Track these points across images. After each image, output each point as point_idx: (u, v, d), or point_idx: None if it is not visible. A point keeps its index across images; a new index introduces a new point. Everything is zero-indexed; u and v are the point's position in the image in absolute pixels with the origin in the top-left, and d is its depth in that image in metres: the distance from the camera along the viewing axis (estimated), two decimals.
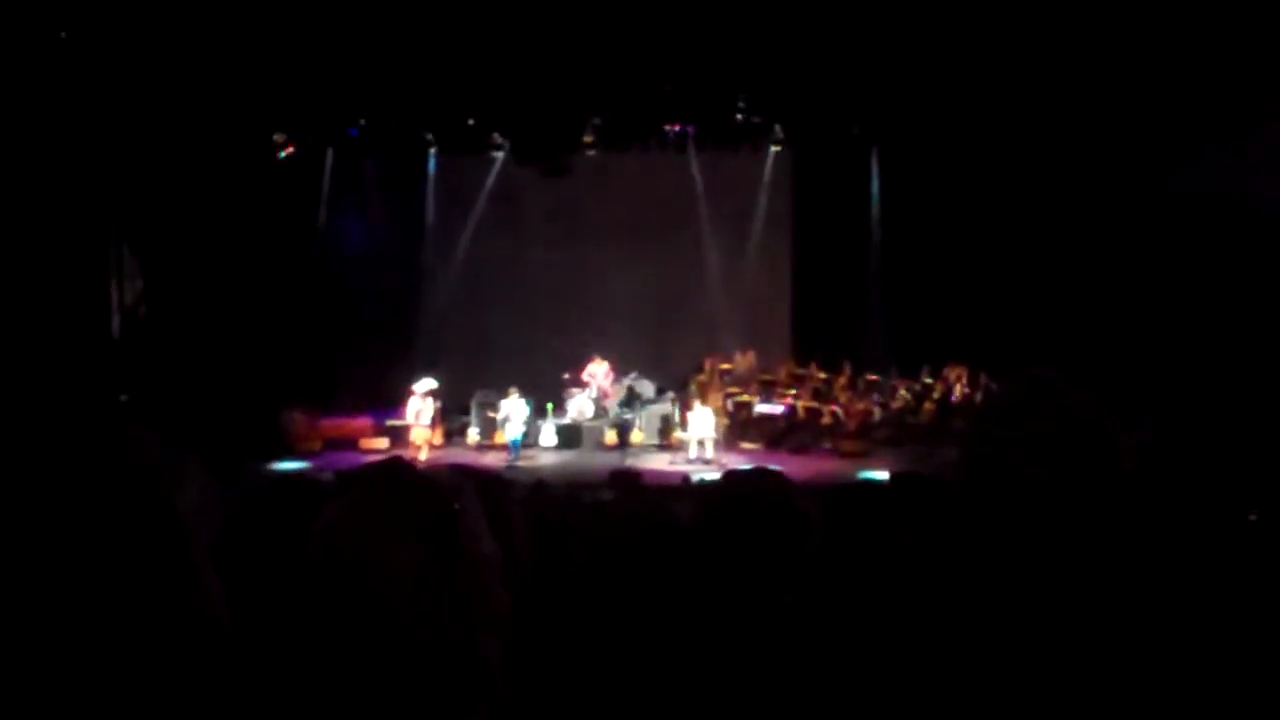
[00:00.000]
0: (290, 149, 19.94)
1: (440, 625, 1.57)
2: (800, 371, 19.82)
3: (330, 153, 20.93)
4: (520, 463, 17.25)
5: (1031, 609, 1.86)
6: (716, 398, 18.97)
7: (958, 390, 18.37)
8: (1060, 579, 1.86)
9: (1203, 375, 15.20)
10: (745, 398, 19.43)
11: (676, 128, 20.39)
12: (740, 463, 14.00)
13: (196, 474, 1.49)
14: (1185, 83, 15.64)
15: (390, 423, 18.56)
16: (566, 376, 19.90)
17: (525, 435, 18.20)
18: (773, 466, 2.82)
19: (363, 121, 19.84)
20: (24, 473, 1.35)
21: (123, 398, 16.57)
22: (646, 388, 20.05)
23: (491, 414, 18.85)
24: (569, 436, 19.10)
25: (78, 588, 1.33)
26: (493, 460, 16.93)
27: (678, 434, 18.33)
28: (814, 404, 18.92)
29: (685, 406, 18.62)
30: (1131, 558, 1.91)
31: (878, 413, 18.83)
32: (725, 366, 20.03)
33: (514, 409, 18.17)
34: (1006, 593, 1.89)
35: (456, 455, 17.69)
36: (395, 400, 18.42)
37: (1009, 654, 1.85)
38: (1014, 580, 1.89)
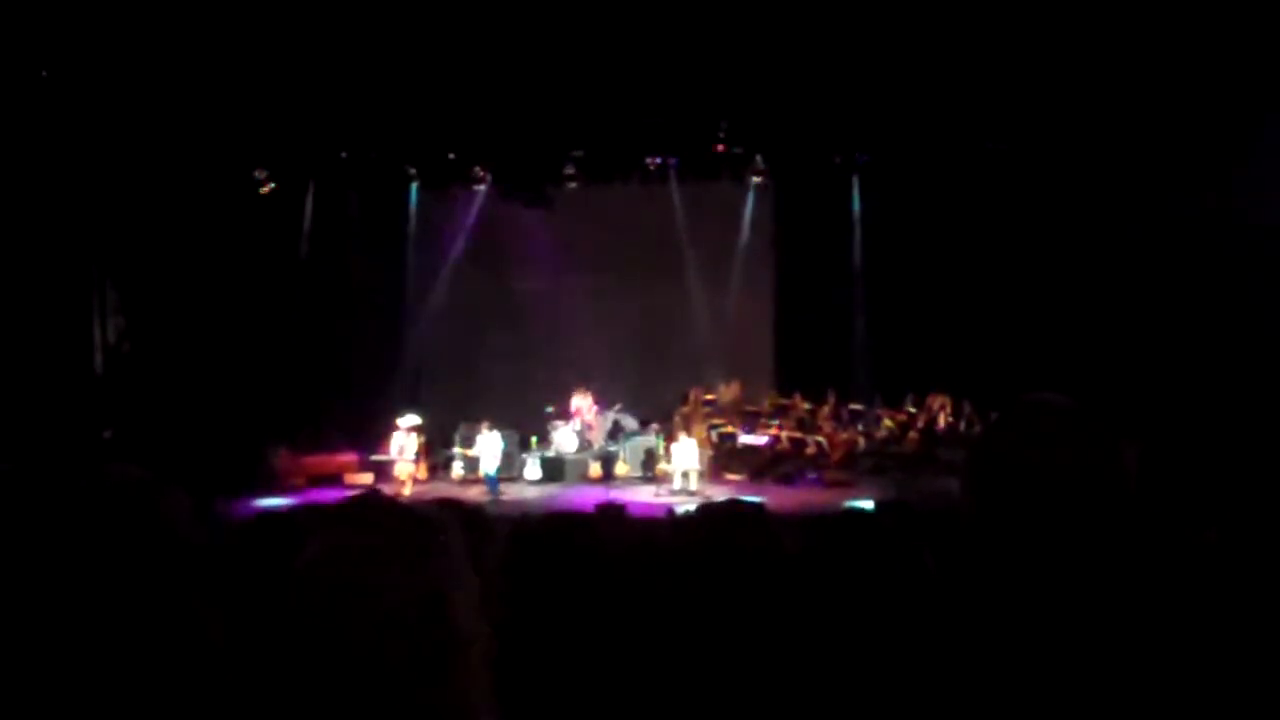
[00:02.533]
0: (271, 184, 19.94)
1: (423, 656, 1.58)
2: (784, 402, 19.82)
3: (311, 187, 20.92)
4: (504, 496, 17.22)
5: (1040, 629, 1.86)
6: (700, 429, 18.94)
7: (941, 419, 18.39)
8: (1070, 598, 1.87)
9: (1181, 400, 15.25)
10: (729, 429, 19.40)
11: (658, 159, 20.44)
12: (725, 494, 13.98)
13: (185, 508, 1.50)
14: (1164, 107, 15.74)
15: (374, 458, 18.48)
16: (550, 409, 19.89)
17: (501, 470, 18.15)
18: (754, 498, 2.84)
19: (344, 155, 19.85)
20: (17, 510, 1.36)
21: (106, 434, 16.50)
22: (630, 420, 20.04)
23: (464, 450, 18.83)
24: (553, 469, 19.07)
25: (79, 611, 1.33)
26: (476, 494, 16.88)
27: (662, 466, 18.28)
28: (798, 434, 18.91)
29: (669, 438, 18.58)
30: (1138, 575, 1.92)
31: (862, 442, 18.84)
32: (709, 398, 20.02)
33: (488, 444, 18.15)
34: (1015, 614, 1.90)
35: (441, 490, 17.61)
36: (380, 435, 18.36)
37: (1016, 674, 1.85)
38: (1023, 601, 1.90)
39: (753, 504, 2.71)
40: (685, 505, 14.76)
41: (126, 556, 1.40)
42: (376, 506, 1.71)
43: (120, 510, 1.42)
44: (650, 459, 19.00)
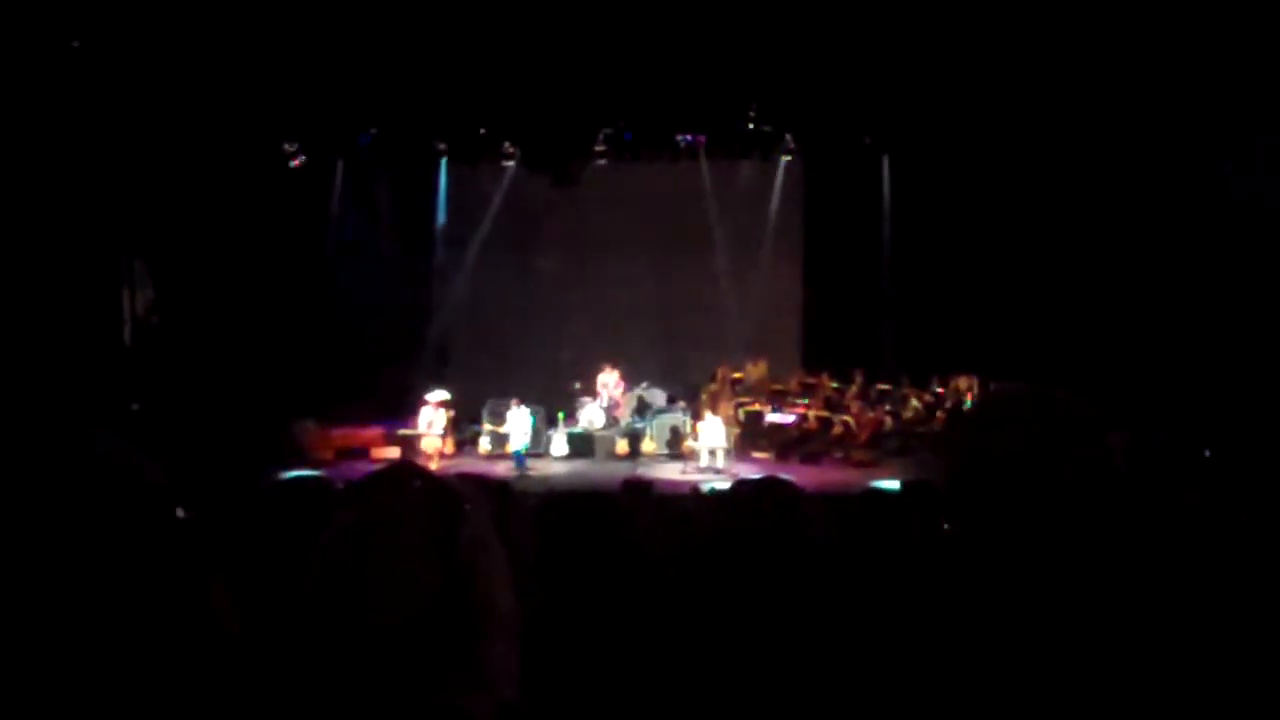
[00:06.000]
0: (301, 158, 19.98)
1: (448, 629, 1.57)
2: (811, 381, 19.78)
3: (340, 162, 20.94)
4: (530, 472, 17.26)
5: (1024, 614, 1.85)
6: (727, 407, 18.93)
7: (968, 400, 18.33)
8: (1051, 583, 1.85)
9: (1210, 381, 15.17)
10: (756, 407, 19.39)
11: (687, 137, 20.39)
12: (751, 472, 13.94)
13: (157, 475, 1.49)
14: (1193, 89, 15.61)
15: (402, 432, 18.54)
16: (578, 386, 19.90)
17: (529, 446, 18.20)
18: (783, 476, 2.82)
19: (373, 130, 19.87)
20: (33, 483, 1.35)
21: (134, 407, 16.58)
22: (657, 397, 20.04)
23: (492, 426, 18.88)
24: (580, 446, 19.09)
25: (82, 599, 1.32)
26: (504, 469, 16.92)
27: (689, 443, 18.28)
28: (825, 413, 18.88)
29: (696, 416, 18.60)
30: (1123, 560, 1.90)
31: (889, 423, 18.78)
32: (736, 376, 20.00)
33: (516, 420, 18.19)
34: (999, 598, 1.88)
35: (468, 465, 17.67)
36: (408, 410, 18.41)
37: (1010, 659, 1.84)
38: (1006, 585, 1.88)
39: (785, 481, 2.70)
40: (711, 483, 14.75)
41: (95, 526, 1.38)
42: (404, 476, 1.70)
43: (88, 477, 1.41)
44: (677, 436, 19.01)
